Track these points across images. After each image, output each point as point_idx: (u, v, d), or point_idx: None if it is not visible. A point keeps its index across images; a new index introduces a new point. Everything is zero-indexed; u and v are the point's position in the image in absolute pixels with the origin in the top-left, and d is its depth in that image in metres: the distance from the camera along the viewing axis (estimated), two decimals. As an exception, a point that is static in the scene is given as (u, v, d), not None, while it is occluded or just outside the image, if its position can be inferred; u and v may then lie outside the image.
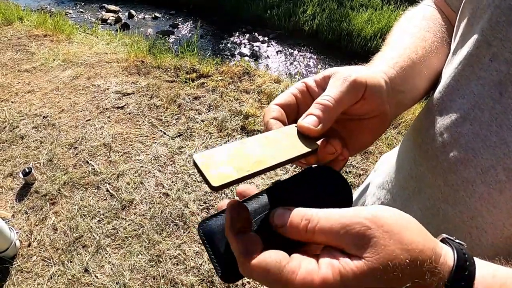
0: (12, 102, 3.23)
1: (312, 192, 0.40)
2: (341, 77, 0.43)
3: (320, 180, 0.41)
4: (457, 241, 0.34)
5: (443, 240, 0.35)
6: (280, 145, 0.39)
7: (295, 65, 5.77)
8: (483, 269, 0.32)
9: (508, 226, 0.45)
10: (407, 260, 0.29)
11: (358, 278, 0.29)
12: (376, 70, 0.49)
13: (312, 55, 6.02)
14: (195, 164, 0.35)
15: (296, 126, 0.42)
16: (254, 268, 0.32)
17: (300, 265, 0.31)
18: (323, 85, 0.45)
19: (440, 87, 0.55)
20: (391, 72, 0.50)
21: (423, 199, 0.57)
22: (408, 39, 0.59)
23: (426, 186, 0.56)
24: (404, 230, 0.31)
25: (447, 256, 0.32)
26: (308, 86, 0.46)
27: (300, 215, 0.34)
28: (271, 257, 0.32)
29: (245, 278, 1.89)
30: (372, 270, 0.29)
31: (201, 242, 0.41)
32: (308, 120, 0.40)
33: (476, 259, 0.33)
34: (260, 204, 0.40)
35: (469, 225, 0.49)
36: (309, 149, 0.40)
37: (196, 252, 2.08)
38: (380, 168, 0.81)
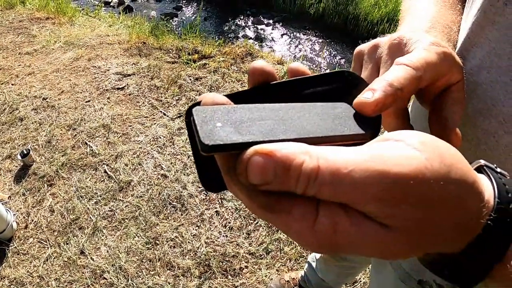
0: (12, 84, 3.19)
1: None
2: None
3: (340, 90, 0.31)
4: (498, 170, 0.28)
5: (479, 169, 0.29)
6: (324, 119, 0.28)
7: (299, 48, 5.64)
8: None
9: None
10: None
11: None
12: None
13: (317, 38, 5.87)
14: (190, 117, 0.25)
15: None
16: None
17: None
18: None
19: (458, 42, 0.51)
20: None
21: None
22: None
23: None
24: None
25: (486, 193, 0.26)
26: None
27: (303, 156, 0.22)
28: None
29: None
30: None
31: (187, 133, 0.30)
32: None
33: None
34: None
35: None
36: (362, 132, 0.28)
37: (194, 235, 2.03)
38: None
